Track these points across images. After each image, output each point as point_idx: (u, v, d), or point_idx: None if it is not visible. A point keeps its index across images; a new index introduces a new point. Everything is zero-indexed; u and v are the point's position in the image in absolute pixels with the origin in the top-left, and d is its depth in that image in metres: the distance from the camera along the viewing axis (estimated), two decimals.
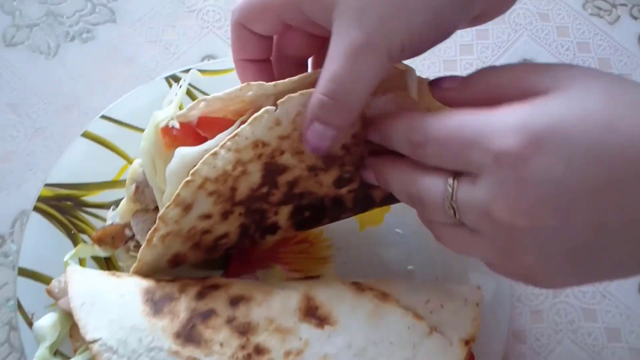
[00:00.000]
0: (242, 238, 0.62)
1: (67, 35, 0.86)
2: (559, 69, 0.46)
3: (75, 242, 0.73)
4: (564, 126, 0.42)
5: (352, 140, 0.58)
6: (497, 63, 0.87)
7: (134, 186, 0.64)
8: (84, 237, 0.73)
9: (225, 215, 0.59)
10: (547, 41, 0.88)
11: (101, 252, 0.70)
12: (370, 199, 0.64)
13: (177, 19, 0.88)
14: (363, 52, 0.49)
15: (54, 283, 0.69)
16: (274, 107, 0.54)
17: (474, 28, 0.88)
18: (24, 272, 0.71)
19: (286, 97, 0.54)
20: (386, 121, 0.55)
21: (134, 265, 0.62)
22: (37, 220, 0.73)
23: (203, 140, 0.58)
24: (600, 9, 0.90)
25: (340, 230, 0.75)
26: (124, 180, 0.76)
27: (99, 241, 0.64)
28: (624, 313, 0.75)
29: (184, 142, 0.58)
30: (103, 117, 0.77)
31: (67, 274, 0.68)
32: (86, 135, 0.76)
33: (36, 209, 0.73)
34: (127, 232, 0.66)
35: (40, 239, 0.73)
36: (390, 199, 0.63)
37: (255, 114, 0.54)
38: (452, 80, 0.52)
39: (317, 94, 0.52)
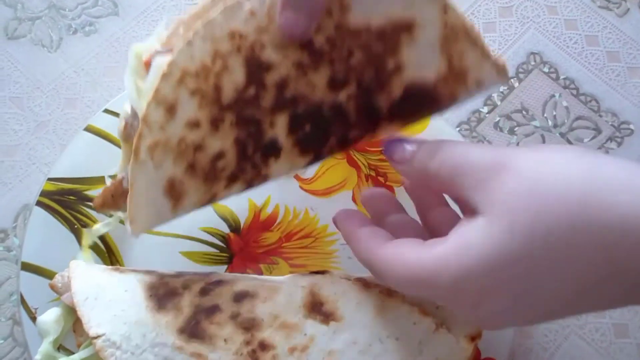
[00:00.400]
0: (242, 161, 0.58)
1: (69, 29, 0.85)
2: (491, 184, 0.47)
3: (78, 237, 0.73)
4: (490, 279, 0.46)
5: (336, 33, 0.55)
6: (505, 56, 0.86)
7: (123, 122, 0.61)
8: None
9: (215, 124, 0.56)
10: (555, 34, 0.88)
11: (104, 228, 0.68)
12: (375, 109, 0.58)
13: (181, 11, 0.87)
14: None
15: (57, 278, 0.69)
16: None
17: (480, 21, 0.88)
18: (27, 267, 0.70)
19: None
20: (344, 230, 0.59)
21: (129, 196, 0.57)
22: (40, 215, 0.72)
23: None
24: (609, 1, 0.89)
25: None
26: None
27: (102, 206, 0.61)
28: (632, 309, 0.74)
29: None
30: (106, 110, 0.76)
31: (70, 268, 0.68)
32: (89, 129, 0.76)
33: (39, 203, 0.73)
34: (125, 184, 0.61)
35: (44, 234, 0.72)
36: (399, 109, 0.58)
37: (227, 4, 0.53)
38: (402, 152, 0.55)
39: None
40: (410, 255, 0.50)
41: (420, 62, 0.57)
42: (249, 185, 0.59)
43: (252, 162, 0.58)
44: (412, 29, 0.56)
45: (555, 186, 0.44)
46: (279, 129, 0.57)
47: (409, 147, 0.54)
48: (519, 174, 0.45)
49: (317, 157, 0.60)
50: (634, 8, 0.89)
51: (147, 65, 0.56)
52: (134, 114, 0.59)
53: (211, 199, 0.59)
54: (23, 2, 0.86)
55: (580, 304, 0.46)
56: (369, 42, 0.55)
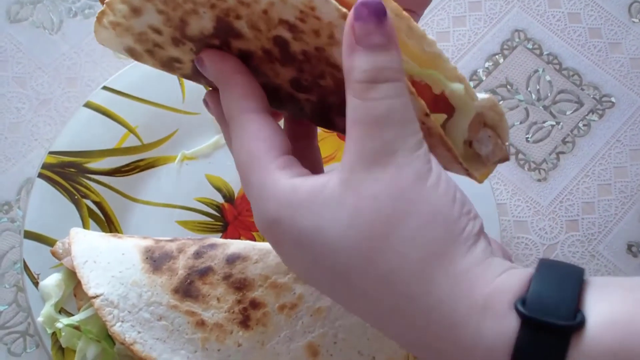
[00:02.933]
0: (197, 75, 0.56)
1: (69, 12, 0.89)
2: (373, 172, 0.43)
3: (78, 207, 0.76)
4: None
5: (315, 52, 0.49)
6: (490, 34, 0.89)
7: None
8: (88, 202, 0.76)
9: (176, 43, 0.53)
10: (538, 12, 0.90)
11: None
12: (329, 121, 0.56)
13: None
14: None
15: (58, 244, 0.72)
16: None
17: (466, 0, 0.90)
18: (29, 235, 0.74)
19: None
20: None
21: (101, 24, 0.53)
22: (42, 186, 0.76)
23: None
24: None
25: None
26: (125, 148, 0.79)
27: None
28: (612, 272, 0.77)
29: None
30: (104, 88, 0.80)
31: (70, 235, 0.71)
32: (88, 105, 0.79)
33: (41, 175, 0.76)
34: None
35: (45, 204, 0.75)
36: None
37: None
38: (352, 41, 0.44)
39: None
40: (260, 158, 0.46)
41: None
42: (200, 83, 0.58)
43: (206, 79, 0.56)
44: None
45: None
46: None
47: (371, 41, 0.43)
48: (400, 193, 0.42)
49: None
50: None
51: None
52: None
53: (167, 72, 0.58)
54: None
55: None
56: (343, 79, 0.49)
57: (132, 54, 0.55)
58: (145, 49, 0.55)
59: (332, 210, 0.42)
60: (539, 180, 0.82)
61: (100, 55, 0.86)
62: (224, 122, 0.52)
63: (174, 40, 0.53)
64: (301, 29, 0.47)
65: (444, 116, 0.49)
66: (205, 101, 0.56)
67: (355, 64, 0.43)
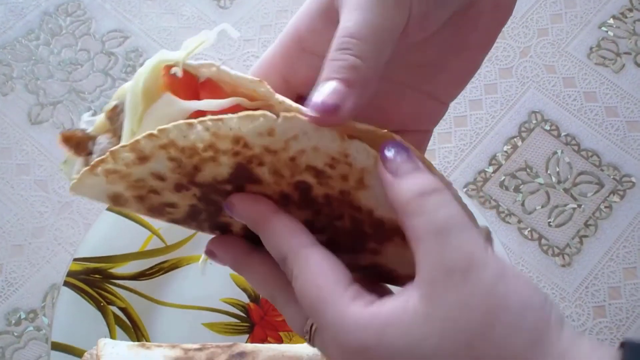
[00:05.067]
0: (189, 218, 0.57)
1: (89, 111, 0.89)
2: (452, 280, 0.44)
3: (104, 314, 0.76)
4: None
5: (339, 195, 0.50)
6: (507, 117, 0.89)
7: (114, 103, 0.55)
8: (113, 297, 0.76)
9: (179, 188, 0.53)
10: (554, 92, 0.91)
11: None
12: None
13: None
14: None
15: (86, 356, 0.72)
16: (274, 116, 0.47)
17: (482, 83, 0.91)
18: (57, 346, 0.73)
19: (293, 114, 0.47)
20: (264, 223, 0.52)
21: (72, 181, 0.53)
22: (68, 295, 0.76)
23: (197, 98, 0.52)
24: (605, 58, 0.93)
25: None
26: (150, 250, 0.79)
27: (66, 140, 0.55)
28: None
29: (180, 90, 0.52)
30: None
31: (98, 347, 0.71)
32: (111, 208, 0.79)
33: (66, 283, 0.76)
34: (91, 145, 0.56)
35: (71, 313, 0.75)
36: (357, 267, 0.55)
37: (250, 112, 0.47)
38: (401, 163, 0.46)
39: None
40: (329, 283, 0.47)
41: (399, 262, 0.55)
42: (189, 226, 0.59)
43: (198, 224, 0.58)
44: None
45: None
46: (236, 223, 0.56)
47: (408, 163, 0.46)
48: (480, 291, 0.43)
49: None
50: (629, 64, 0.92)
51: (167, 74, 0.52)
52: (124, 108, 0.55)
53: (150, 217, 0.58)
54: (45, 88, 0.90)
55: None
56: (363, 220, 0.52)
57: (116, 200, 0.55)
58: (136, 195, 0.54)
59: (421, 327, 0.43)
60: (563, 265, 0.82)
61: None
62: (240, 268, 0.55)
63: (177, 186, 0.53)
64: (328, 175, 0.48)
65: None
66: (210, 251, 0.56)
67: (402, 188, 0.45)
